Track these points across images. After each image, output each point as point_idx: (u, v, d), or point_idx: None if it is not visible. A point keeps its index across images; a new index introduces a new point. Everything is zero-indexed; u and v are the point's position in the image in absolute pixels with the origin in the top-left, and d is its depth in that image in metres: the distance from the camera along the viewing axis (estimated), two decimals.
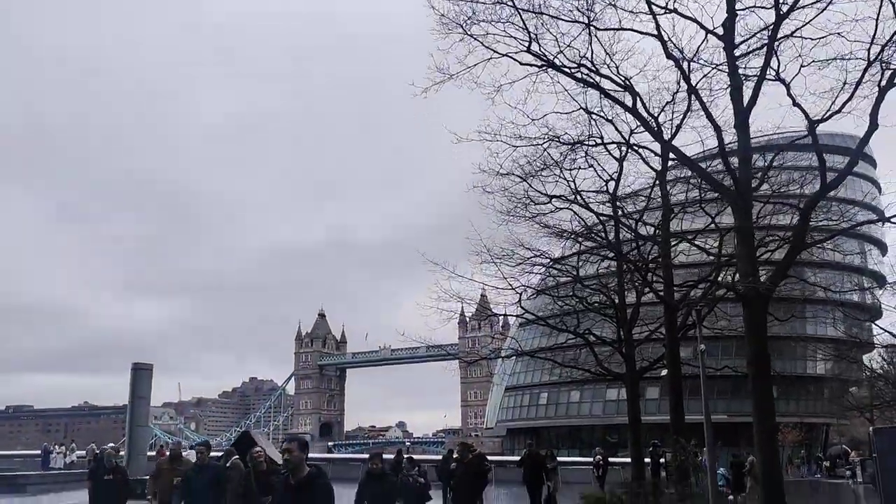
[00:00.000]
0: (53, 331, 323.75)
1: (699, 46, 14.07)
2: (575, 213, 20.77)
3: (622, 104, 15.18)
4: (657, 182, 20.05)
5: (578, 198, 20.03)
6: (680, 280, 21.14)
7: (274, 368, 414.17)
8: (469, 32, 13.90)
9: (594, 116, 17.08)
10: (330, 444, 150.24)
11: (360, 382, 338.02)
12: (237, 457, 11.07)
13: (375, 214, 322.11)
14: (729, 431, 47.30)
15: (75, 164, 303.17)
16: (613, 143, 18.05)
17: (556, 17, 13.90)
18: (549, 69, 14.61)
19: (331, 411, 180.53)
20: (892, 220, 13.17)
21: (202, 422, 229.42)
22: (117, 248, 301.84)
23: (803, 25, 12.39)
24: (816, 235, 18.35)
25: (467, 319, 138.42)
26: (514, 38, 14.07)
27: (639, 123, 16.10)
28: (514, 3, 13.66)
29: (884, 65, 11.80)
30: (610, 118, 17.26)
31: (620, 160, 19.66)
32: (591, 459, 28.24)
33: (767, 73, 12.46)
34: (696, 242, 19.08)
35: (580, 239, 21.76)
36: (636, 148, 17.93)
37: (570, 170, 19.21)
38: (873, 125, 11.84)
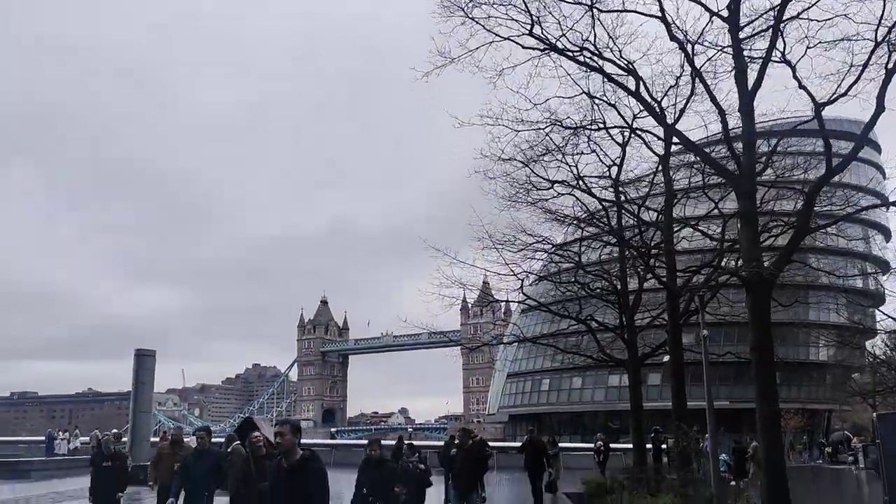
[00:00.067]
0: (57, 318, 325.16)
1: (703, 28, 13.88)
2: (577, 198, 20.68)
3: (625, 88, 15.01)
4: (660, 167, 19.90)
5: (581, 183, 19.90)
6: (682, 266, 21.04)
7: (277, 355, 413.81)
8: (470, 15, 13.73)
9: (597, 101, 16.94)
10: (333, 430, 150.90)
11: (363, 369, 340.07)
12: (238, 442, 11.05)
13: (377, 201, 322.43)
14: (731, 417, 47.46)
15: (79, 152, 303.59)
16: (616, 127, 17.92)
17: (558, 0, 13.73)
18: (552, 53, 14.43)
19: (333, 397, 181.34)
20: None
21: (206, 408, 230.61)
22: (121, 236, 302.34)
23: (810, 7, 12.19)
24: (820, 221, 18.24)
25: (469, 306, 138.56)
26: (516, 21, 13.90)
27: (642, 108, 15.93)
28: None
29: (891, 46, 11.61)
30: (612, 102, 17.12)
31: (623, 145, 19.51)
32: (592, 445, 28.34)
33: (773, 55, 12.28)
34: (699, 228, 18.94)
35: (582, 225, 21.66)
36: (639, 132, 17.78)
37: (573, 155, 19.08)
38: (880, 108, 11.67)
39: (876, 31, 11.68)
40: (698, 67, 14.15)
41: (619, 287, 21.86)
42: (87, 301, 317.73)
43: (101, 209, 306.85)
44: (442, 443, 23.04)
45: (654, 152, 19.07)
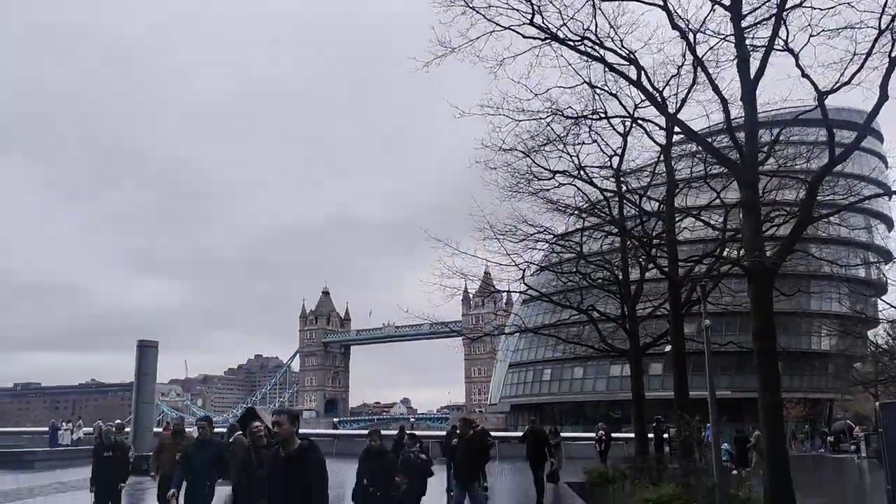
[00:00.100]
0: (60, 309, 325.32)
1: (705, 17, 13.79)
2: (578, 188, 20.63)
3: (627, 77, 14.93)
4: (661, 157, 19.85)
5: (582, 173, 19.85)
6: (684, 256, 21.01)
7: (279, 346, 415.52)
8: (471, 5, 13.62)
9: (598, 90, 16.85)
10: (335, 420, 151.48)
11: (365, 359, 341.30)
12: (241, 433, 11.08)
13: (378, 192, 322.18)
14: (733, 407, 47.57)
15: (80, 144, 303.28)
16: (618, 117, 17.84)
17: None
18: (553, 42, 14.33)
19: (336, 388, 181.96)
20: None
21: (209, 398, 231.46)
22: (123, 227, 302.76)
23: None
24: (823, 210, 18.18)
25: (470, 296, 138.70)
26: (517, 10, 13.79)
27: (643, 98, 15.83)
28: None
29: (895, 35, 11.52)
30: (614, 92, 17.04)
31: (624, 135, 19.45)
32: (594, 435, 28.42)
33: (776, 43, 12.18)
34: (701, 217, 18.90)
35: (584, 215, 21.62)
36: (641, 122, 17.71)
37: (574, 145, 19.02)
38: (883, 97, 11.58)
39: (879, 19, 11.59)
40: (700, 56, 14.06)
41: (620, 277, 21.84)
42: (89, 292, 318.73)
43: (103, 201, 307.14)
44: (444, 433, 23.13)
45: (655, 142, 19.03)
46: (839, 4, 12.08)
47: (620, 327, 22.35)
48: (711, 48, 14.47)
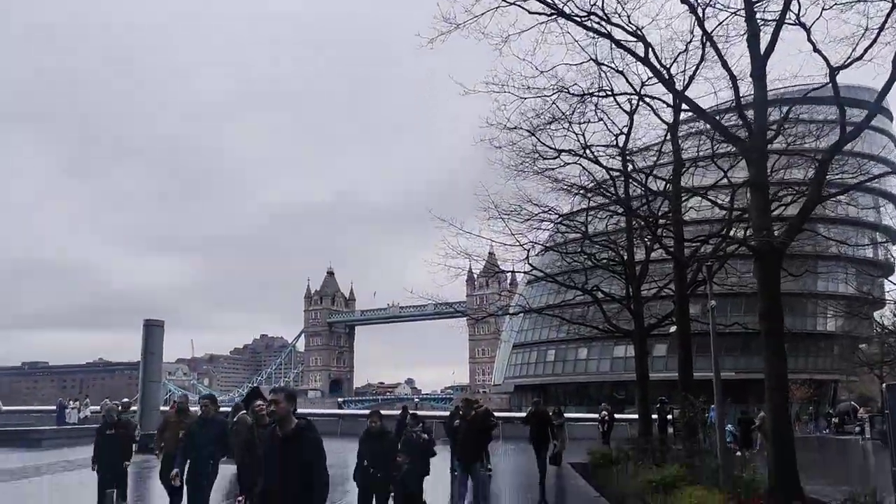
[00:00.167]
0: (67, 288, 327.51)
1: None
2: (584, 167, 20.38)
3: (634, 54, 14.67)
4: (668, 136, 19.61)
5: (588, 152, 19.59)
6: (690, 236, 20.84)
7: (284, 326, 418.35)
8: None
9: (604, 68, 16.56)
10: (340, 400, 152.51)
11: (369, 340, 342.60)
12: (245, 412, 11.07)
13: (383, 173, 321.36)
14: (737, 388, 47.54)
15: (87, 123, 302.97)
16: (624, 94, 17.56)
17: None
18: (559, 18, 14.05)
19: (340, 368, 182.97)
20: None
21: (215, 377, 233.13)
22: (129, 206, 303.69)
23: None
24: (832, 190, 17.94)
25: (475, 277, 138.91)
26: None
27: (650, 75, 15.57)
28: None
29: None
30: (620, 70, 16.73)
31: (631, 113, 19.19)
32: (597, 416, 28.45)
33: (787, 17, 11.92)
34: (708, 196, 18.69)
35: (589, 194, 21.41)
36: (647, 100, 17.44)
37: (580, 123, 18.75)
38: None
39: None
40: (709, 32, 13.79)
41: (625, 257, 21.70)
42: (96, 272, 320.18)
43: (110, 180, 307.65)
44: (447, 413, 23.16)
45: (662, 120, 18.74)
46: None
47: (625, 308, 22.25)
48: (721, 23, 14.19)
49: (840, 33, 12.39)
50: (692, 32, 15.81)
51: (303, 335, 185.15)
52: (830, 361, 58.29)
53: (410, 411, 17.83)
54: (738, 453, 21.34)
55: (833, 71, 11.97)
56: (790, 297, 40.95)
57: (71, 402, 36.47)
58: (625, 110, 19.08)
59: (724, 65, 13.24)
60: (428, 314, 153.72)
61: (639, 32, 14.15)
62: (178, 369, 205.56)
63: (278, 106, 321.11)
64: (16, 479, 16.06)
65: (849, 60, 12.07)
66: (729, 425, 22.55)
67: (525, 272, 23.75)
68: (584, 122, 18.79)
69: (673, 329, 20.37)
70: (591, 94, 17.07)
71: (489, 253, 25.73)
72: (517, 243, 20.33)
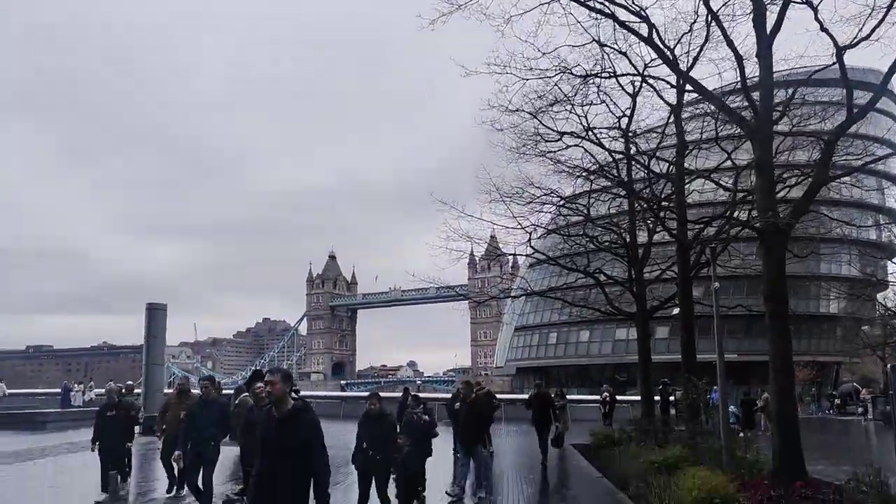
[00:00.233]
0: (71, 272, 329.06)
1: None
2: (586, 150, 20.27)
3: (637, 34, 14.48)
4: (671, 118, 19.46)
5: (590, 134, 19.49)
6: (693, 219, 20.74)
7: (286, 309, 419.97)
8: None
9: (607, 49, 16.42)
10: (342, 382, 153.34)
11: (371, 323, 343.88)
12: (246, 394, 11.08)
13: (385, 156, 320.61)
14: (739, 370, 47.67)
15: (88, 107, 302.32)
16: (627, 75, 17.39)
17: None
18: None
19: (343, 351, 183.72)
20: None
21: (218, 361, 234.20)
22: (133, 191, 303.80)
23: None
24: (836, 171, 17.80)
25: (476, 261, 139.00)
26: None
27: (653, 57, 15.38)
28: None
29: None
30: (623, 51, 16.57)
31: (634, 95, 19.05)
32: (599, 397, 28.51)
33: None
34: (712, 178, 18.57)
35: (591, 177, 21.29)
36: (651, 81, 17.28)
37: (582, 105, 18.60)
38: None
39: None
40: (715, 11, 13.61)
41: (628, 240, 21.64)
42: (100, 257, 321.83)
43: (112, 165, 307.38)
44: (449, 395, 23.22)
45: (665, 102, 18.62)
46: None
47: (627, 290, 22.22)
48: (726, 2, 14.03)
49: (847, 12, 12.23)
50: (697, 12, 15.68)
51: (305, 319, 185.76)
52: (833, 343, 58.32)
53: (412, 393, 17.85)
54: (741, 434, 21.40)
55: (840, 50, 11.81)
56: (793, 279, 40.82)
57: (75, 385, 36.68)
58: (627, 92, 18.96)
59: (730, 44, 13.07)
60: (430, 297, 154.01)
61: (642, 13, 13.97)
62: (182, 352, 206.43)
63: (279, 89, 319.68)
64: (20, 461, 16.14)
65: (856, 40, 11.92)
66: (731, 406, 22.59)
67: (527, 255, 23.69)
68: (587, 104, 18.68)
69: (675, 311, 20.35)
70: (594, 76, 16.91)
71: (491, 236, 25.73)
72: (519, 226, 20.28)
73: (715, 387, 19.34)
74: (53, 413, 29.20)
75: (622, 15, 14.14)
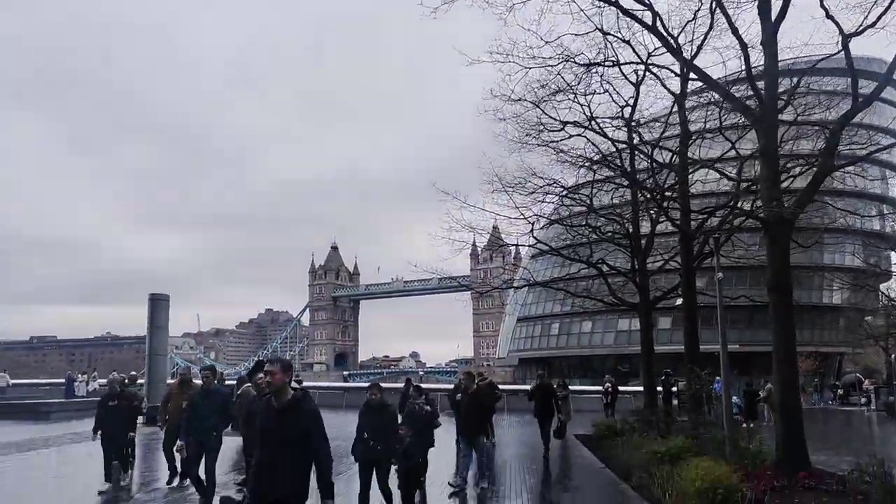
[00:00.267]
0: (74, 262, 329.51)
1: None
2: (589, 139, 20.16)
3: (641, 22, 14.37)
4: (675, 107, 19.35)
5: (593, 124, 19.38)
6: (696, 209, 20.65)
7: (289, 300, 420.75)
8: None
9: (610, 37, 16.31)
10: (345, 373, 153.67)
11: (374, 314, 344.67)
12: (249, 384, 11.07)
13: (387, 147, 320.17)
14: (742, 361, 47.62)
15: (92, 97, 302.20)
16: (630, 63, 17.29)
17: None
18: None
19: (345, 342, 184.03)
20: None
21: (221, 351, 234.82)
22: (133, 181, 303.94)
23: None
24: (841, 161, 17.69)
25: (479, 252, 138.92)
26: None
27: (657, 45, 15.29)
28: None
29: None
30: (627, 39, 16.46)
31: (637, 84, 18.93)
32: (601, 388, 28.54)
33: None
34: (715, 167, 18.51)
35: (594, 167, 21.20)
36: (654, 69, 17.17)
37: (585, 94, 18.50)
38: None
39: None
40: None
41: (630, 230, 21.56)
42: (103, 248, 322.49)
43: (114, 156, 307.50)
44: (452, 386, 23.22)
45: (669, 91, 18.50)
46: None
47: (630, 281, 22.17)
48: None
49: (853, 0, 12.11)
50: (701, 0, 15.53)
51: (308, 309, 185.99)
52: (836, 334, 58.27)
53: (414, 384, 17.86)
54: (744, 425, 21.41)
55: (846, 38, 11.72)
56: (796, 269, 40.55)
57: (79, 376, 36.74)
58: (631, 81, 18.85)
59: (735, 32, 12.96)
60: (432, 288, 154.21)
61: (646, 0, 13.87)
62: (185, 343, 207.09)
63: (280, 81, 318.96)
64: (25, 450, 16.19)
65: (861, 28, 11.82)
66: (734, 397, 22.58)
67: (530, 245, 23.64)
68: (590, 94, 18.58)
69: (678, 302, 20.31)
70: (597, 64, 16.81)
71: (493, 227, 25.65)
72: (521, 216, 20.21)
73: (717, 377, 19.34)
74: (57, 403, 29.28)
75: (626, 2, 14.07)
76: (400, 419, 9.30)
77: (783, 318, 11.71)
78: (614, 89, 18.93)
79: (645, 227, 22.09)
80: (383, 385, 9.98)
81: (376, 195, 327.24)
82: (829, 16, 11.60)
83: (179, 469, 10.59)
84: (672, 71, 17.05)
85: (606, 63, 16.73)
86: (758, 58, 13.26)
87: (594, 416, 23.28)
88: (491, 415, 12.47)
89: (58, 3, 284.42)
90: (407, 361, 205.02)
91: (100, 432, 10.91)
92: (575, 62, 16.34)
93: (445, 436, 12.17)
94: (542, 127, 18.89)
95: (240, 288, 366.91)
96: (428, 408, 10.26)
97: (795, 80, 16.59)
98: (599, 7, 14.80)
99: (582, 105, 18.81)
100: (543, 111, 18.50)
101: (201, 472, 9.17)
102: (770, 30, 12.05)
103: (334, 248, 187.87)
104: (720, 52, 16.02)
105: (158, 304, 25.91)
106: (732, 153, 19.84)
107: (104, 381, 35.04)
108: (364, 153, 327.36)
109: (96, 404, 11.50)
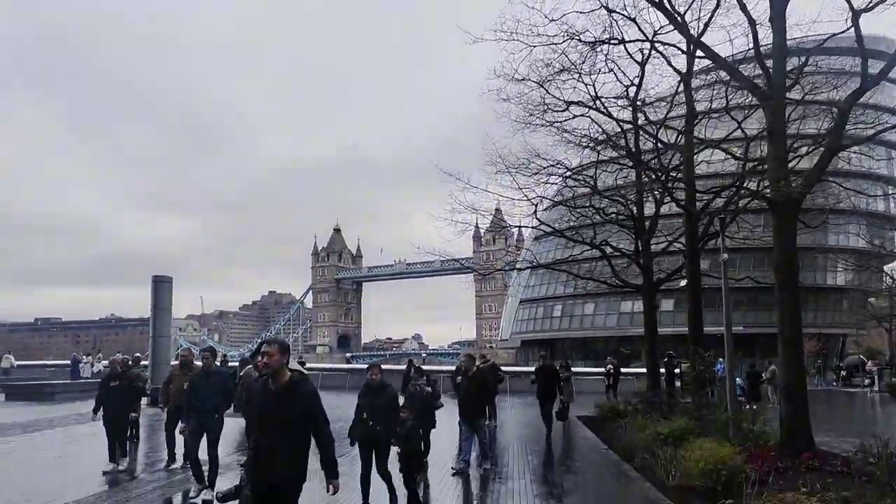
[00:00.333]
0: (79, 245, 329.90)
1: None
2: (593, 120, 19.96)
3: None
4: (681, 87, 19.11)
5: (597, 104, 19.16)
6: (701, 190, 20.47)
7: (292, 282, 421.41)
8: None
9: (615, 15, 16.08)
10: (348, 355, 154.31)
11: (377, 296, 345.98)
12: (251, 366, 11.06)
13: (389, 128, 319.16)
14: (745, 342, 47.66)
15: (94, 81, 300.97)
16: (636, 41, 17.04)
17: None
18: None
19: (348, 324, 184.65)
20: None
21: (225, 333, 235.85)
22: (137, 164, 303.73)
23: None
24: (847, 141, 17.48)
25: (481, 234, 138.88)
26: None
27: (663, 24, 15.07)
28: None
29: None
30: (632, 17, 16.22)
31: (642, 64, 18.67)
32: (603, 370, 28.54)
33: None
34: (721, 147, 18.32)
35: (599, 147, 21.01)
36: (660, 47, 16.91)
37: (590, 74, 18.28)
38: None
39: None
40: None
41: (635, 211, 21.41)
42: (108, 230, 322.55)
43: (116, 138, 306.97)
44: (454, 367, 23.25)
45: (675, 69, 18.24)
46: None
47: (634, 262, 22.06)
48: None
49: None
50: None
51: (311, 292, 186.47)
52: (839, 315, 58.21)
53: (416, 365, 17.86)
54: (747, 406, 21.41)
55: (856, 14, 11.50)
56: (800, 250, 40.38)
57: (84, 357, 36.91)
58: (636, 60, 18.60)
59: (743, 8, 12.74)
60: (435, 270, 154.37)
61: None
62: (189, 325, 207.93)
63: (282, 62, 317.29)
64: (30, 431, 16.27)
65: (872, 3, 11.60)
66: (738, 378, 22.58)
67: (533, 227, 23.54)
68: (595, 73, 18.35)
69: (682, 283, 20.21)
70: (602, 42, 16.59)
71: (496, 209, 25.46)
72: (525, 198, 20.06)
73: (720, 359, 19.29)
74: (62, 384, 29.41)
75: None
76: (401, 401, 9.26)
77: (789, 299, 11.62)
78: (619, 69, 18.75)
79: (649, 208, 21.91)
80: (385, 367, 9.92)
81: (379, 177, 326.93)
82: None
83: (176, 452, 10.64)
84: (678, 48, 16.82)
85: (612, 41, 16.51)
86: (766, 35, 13.06)
87: (597, 397, 23.29)
88: (493, 397, 12.42)
89: None
90: (409, 343, 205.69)
91: (101, 413, 10.93)
92: (580, 40, 16.15)
93: (448, 417, 12.15)
94: (546, 107, 18.70)
95: (243, 270, 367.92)
96: (429, 389, 10.23)
97: (802, 59, 16.38)
98: None
99: (587, 85, 18.62)
100: (547, 91, 18.33)
101: (202, 455, 9.15)
102: (778, 5, 11.84)
103: (337, 231, 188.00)
104: (727, 30, 15.80)
105: (162, 287, 25.91)
106: (738, 133, 19.64)
107: (108, 362, 35.18)
108: (366, 135, 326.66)
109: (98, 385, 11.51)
